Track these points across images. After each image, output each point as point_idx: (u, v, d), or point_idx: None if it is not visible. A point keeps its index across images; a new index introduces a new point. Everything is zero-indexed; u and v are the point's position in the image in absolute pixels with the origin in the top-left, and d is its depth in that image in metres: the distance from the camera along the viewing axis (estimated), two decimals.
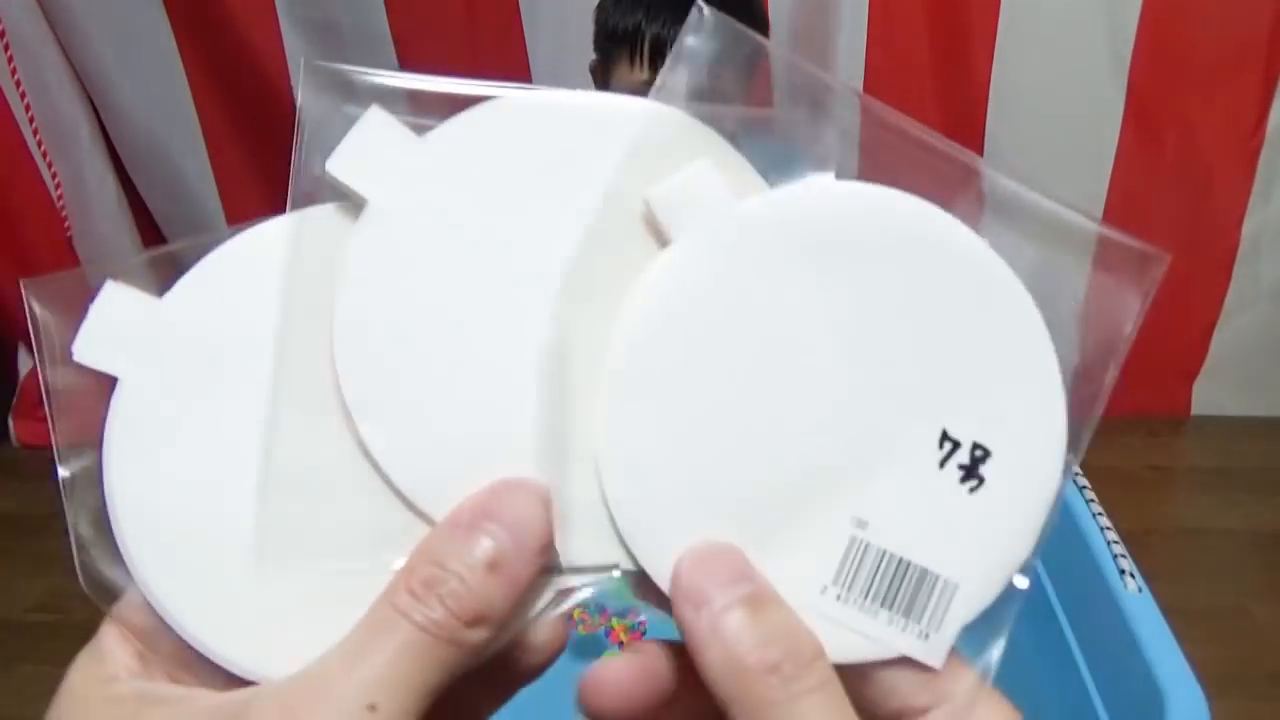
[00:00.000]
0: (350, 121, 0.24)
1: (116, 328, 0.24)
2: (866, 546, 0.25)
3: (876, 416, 0.25)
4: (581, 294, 0.25)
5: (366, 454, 0.24)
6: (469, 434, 0.24)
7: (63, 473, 0.24)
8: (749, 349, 0.25)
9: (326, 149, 0.24)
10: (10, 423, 1.82)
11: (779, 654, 0.22)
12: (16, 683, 1.34)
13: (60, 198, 1.69)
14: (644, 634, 0.69)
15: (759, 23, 1.18)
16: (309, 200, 0.24)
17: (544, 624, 0.26)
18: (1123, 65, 1.48)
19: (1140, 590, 0.64)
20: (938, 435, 0.25)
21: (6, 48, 1.58)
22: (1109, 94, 1.50)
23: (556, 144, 0.25)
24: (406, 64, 1.59)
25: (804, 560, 0.25)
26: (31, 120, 1.63)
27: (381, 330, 0.24)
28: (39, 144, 1.65)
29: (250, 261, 0.25)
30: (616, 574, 0.25)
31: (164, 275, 0.25)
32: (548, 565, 0.24)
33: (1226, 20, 1.43)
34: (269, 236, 0.25)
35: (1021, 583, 0.25)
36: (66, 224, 1.71)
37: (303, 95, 0.24)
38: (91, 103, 1.70)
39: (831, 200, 0.25)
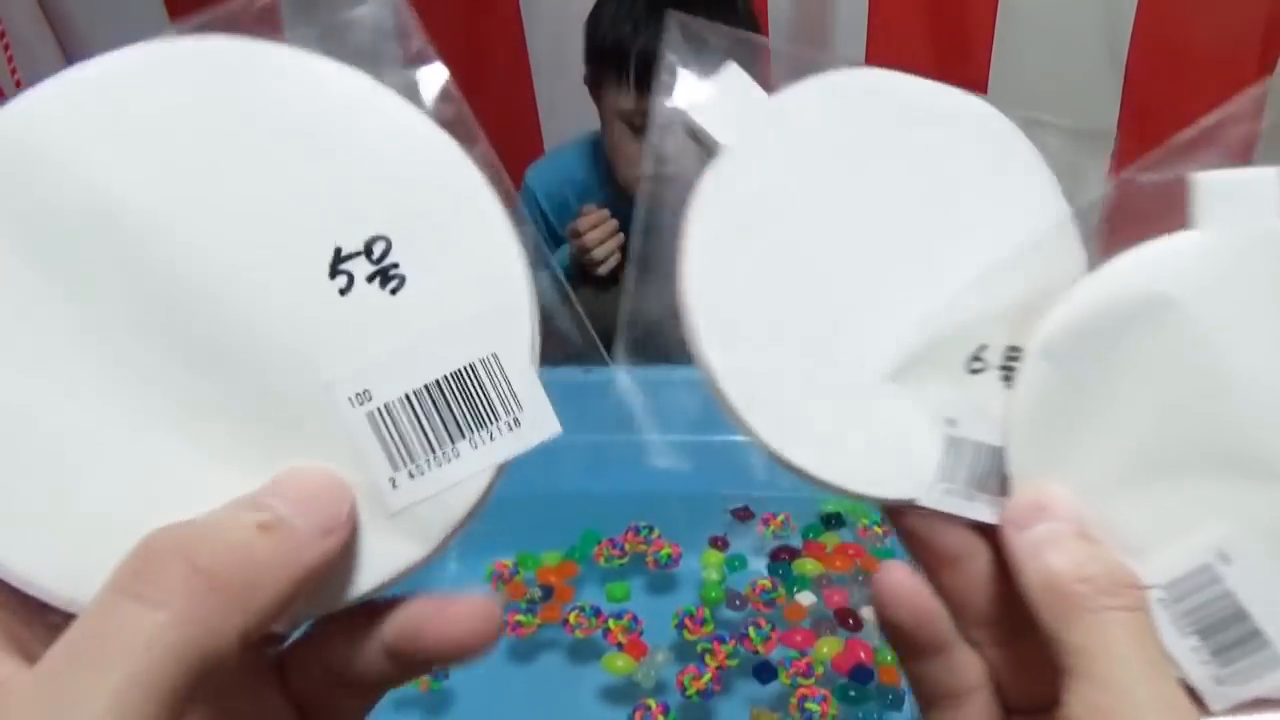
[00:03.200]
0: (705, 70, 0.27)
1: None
2: (1215, 579, 0.24)
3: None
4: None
5: (712, 377, 0.25)
6: (804, 362, 0.26)
7: None
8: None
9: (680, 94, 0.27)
10: None
11: (1094, 570, 0.23)
12: None
13: None
14: (641, 634, 0.69)
15: (744, 18, 1.15)
16: (662, 136, 0.28)
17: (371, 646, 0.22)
18: (1119, 61, 1.48)
19: None
20: None
21: (6, 48, 1.58)
22: (1106, 89, 1.50)
23: (886, 125, 0.27)
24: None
25: (1151, 557, 0.25)
26: None
27: (727, 263, 0.26)
28: None
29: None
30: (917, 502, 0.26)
31: None
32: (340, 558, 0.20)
33: (1222, 16, 1.43)
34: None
35: None
36: None
37: (664, 44, 0.27)
38: None
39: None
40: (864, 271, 0.27)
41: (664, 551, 0.75)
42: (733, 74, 0.27)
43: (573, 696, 0.70)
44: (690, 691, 0.66)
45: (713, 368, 0.26)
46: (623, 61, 1.05)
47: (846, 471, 0.26)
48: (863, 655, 0.68)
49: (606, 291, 1.18)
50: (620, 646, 0.69)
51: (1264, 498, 0.24)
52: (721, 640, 0.68)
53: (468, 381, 0.21)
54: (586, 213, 1.18)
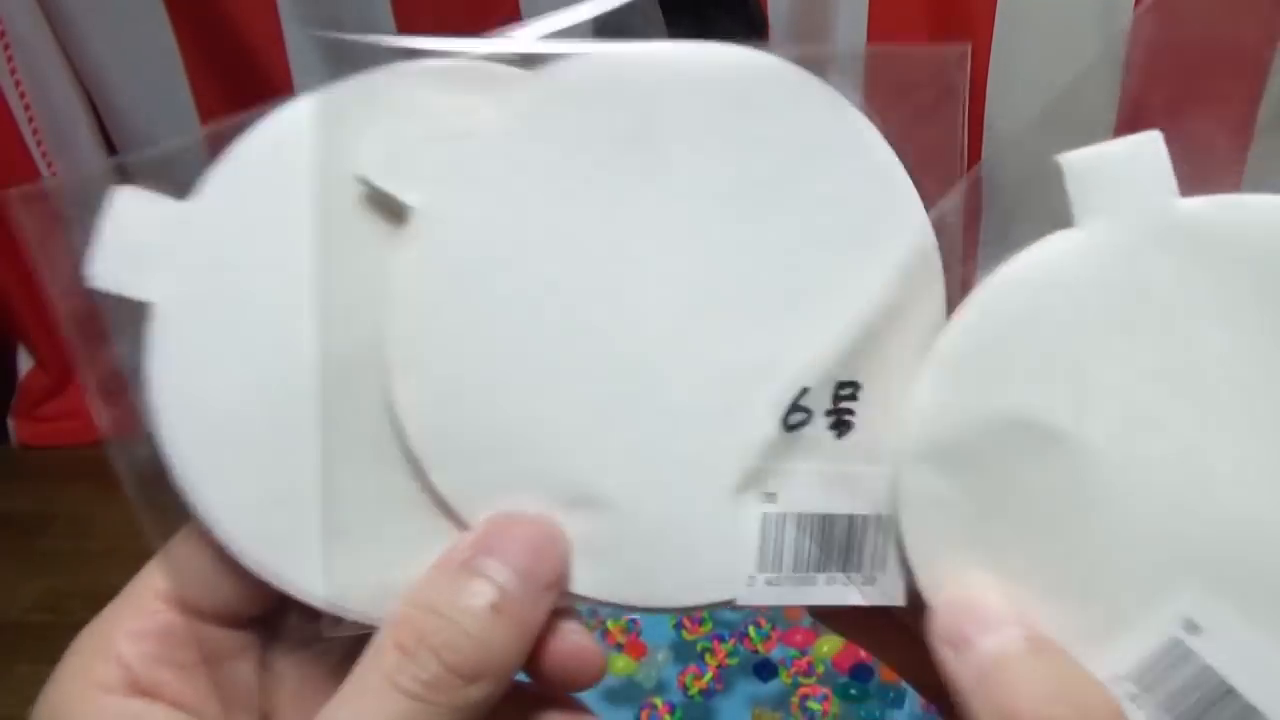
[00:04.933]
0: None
1: (139, 242, 0.20)
2: (1188, 655, 0.20)
3: None
4: None
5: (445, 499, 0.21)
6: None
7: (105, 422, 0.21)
8: None
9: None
10: (10, 423, 1.82)
11: (1064, 710, 0.18)
12: (15, 682, 1.34)
13: None
14: (639, 634, 0.69)
15: (752, 17, 1.16)
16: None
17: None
18: (1117, 59, 1.48)
19: None
20: None
21: (6, 47, 1.58)
22: (1105, 89, 1.50)
23: (631, 121, 0.22)
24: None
25: (1108, 644, 0.20)
26: (31, 120, 1.63)
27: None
28: (39, 144, 1.65)
29: (278, 154, 0.23)
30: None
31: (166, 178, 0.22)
32: (563, 604, 0.21)
33: (1219, 13, 1.43)
34: (295, 123, 0.23)
35: None
36: None
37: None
38: (91, 103, 1.70)
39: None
40: (629, 334, 0.21)
41: None
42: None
43: (575, 697, 0.69)
44: (692, 690, 0.66)
45: (441, 491, 0.21)
46: None
47: (636, 588, 0.21)
48: (863, 654, 0.68)
49: None
50: (619, 647, 0.69)
51: (1224, 545, 0.20)
52: (721, 639, 0.68)
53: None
54: None
